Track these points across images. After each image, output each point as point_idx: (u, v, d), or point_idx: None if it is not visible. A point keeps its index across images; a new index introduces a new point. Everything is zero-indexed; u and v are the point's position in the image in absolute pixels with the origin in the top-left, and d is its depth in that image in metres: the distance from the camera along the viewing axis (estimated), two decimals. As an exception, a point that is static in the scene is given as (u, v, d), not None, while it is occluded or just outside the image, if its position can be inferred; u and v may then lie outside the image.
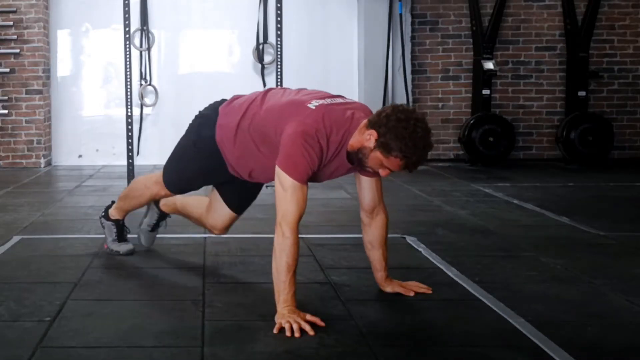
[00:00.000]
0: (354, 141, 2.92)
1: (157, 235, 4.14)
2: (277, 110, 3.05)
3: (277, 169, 2.91)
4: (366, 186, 3.18)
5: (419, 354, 2.61)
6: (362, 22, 8.55)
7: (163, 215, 4.01)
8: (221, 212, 3.61)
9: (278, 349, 2.63)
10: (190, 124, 3.51)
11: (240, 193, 3.56)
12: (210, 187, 3.69)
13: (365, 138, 2.86)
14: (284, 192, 2.88)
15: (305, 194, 2.91)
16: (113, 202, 4.02)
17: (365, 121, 2.91)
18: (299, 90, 3.21)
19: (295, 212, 2.88)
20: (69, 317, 2.95)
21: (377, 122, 2.84)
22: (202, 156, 3.39)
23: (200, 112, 3.50)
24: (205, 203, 3.73)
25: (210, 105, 3.47)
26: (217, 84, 8.59)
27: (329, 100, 3.03)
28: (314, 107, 2.95)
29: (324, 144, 2.90)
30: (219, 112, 3.32)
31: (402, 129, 2.77)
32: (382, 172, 2.92)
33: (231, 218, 3.63)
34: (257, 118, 3.13)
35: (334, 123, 2.92)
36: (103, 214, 4.02)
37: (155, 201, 3.94)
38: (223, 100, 3.42)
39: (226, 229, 3.68)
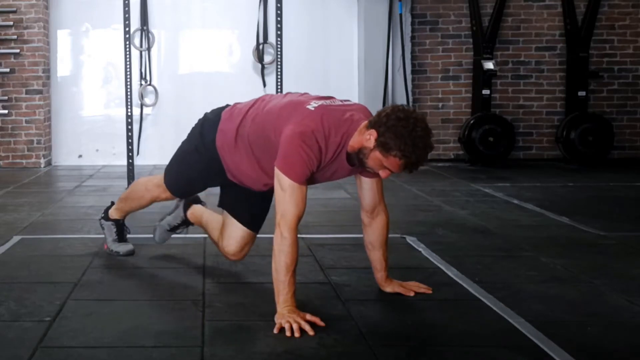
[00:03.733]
0: (354, 142, 2.91)
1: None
2: (276, 112, 3.05)
3: (276, 170, 2.91)
4: (366, 186, 3.18)
5: (419, 354, 2.61)
6: (362, 22, 8.55)
7: (186, 222, 3.90)
8: (234, 230, 3.46)
9: (278, 349, 2.63)
10: (193, 127, 3.49)
11: (251, 206, 3.44)
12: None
13: (365, 138, 2.85)
14: (282, 192, 2.88)
15: (304, 194, 2.90)
16: (112, 203, 4.02)
17: (365, 122, 2.90)
18: (300, 94, 3.20)
19: (294, 213, 2.87)
20: (69, 317, 2.95)
21: (377, 122, 2.82)
22: (204, 160, 3.36)
23: (205, 114, 3.48)
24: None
25: (214, 109, 3.45)
26: (217, 84, 8.61)
27: (328, 102, 3.03)
28: (312, 109, 2.95)
29: (322, 144, 2.89)
30: (221, 116, 3.31)
31: (401, 128, 2.75)
32: (382, 174, 2.89)
33: (245, 237, 3.45)
34: (256, 120, 3.12)
35: (333, 124, 2.91)
36: (102, 215, 4.01)
37: (185, 205, 3.85)
38: (227, 106, 3.42)
39: (241, 251, 3.48)
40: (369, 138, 2.82)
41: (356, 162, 2.95)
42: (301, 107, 2.97)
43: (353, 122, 2.94)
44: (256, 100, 3.25)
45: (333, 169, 3.02)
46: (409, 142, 2.74)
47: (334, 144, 2.92)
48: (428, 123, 2.85)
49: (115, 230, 3.95)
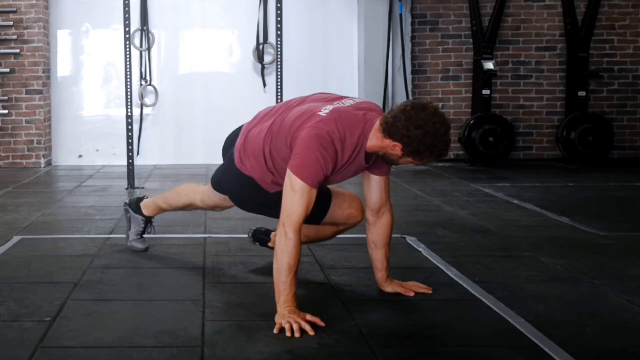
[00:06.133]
0: (373, 144, 2.93)
1: (158, 236, 4.15)
2: (287, 126, 3.01)
3: (288, 171, 2.89)
4: (375, 185, 3.19)
5: (419, 354, 2.61)
6: (362, 22, 8.55)
7: (149, 219, 4.00)
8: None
9: (278, 349, 2.63)
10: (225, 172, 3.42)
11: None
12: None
13: (387, 145, 2.88)
14: (292, 192, 2.87)
15: (313, 198, 2.89)
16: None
17: (378, 123, 2.90)
18: (310, 99, 3.17)
19: (302, 214, 2.87)
20: (69, 317, 2.95)
21: (396, 133, 2.83)
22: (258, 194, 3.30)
23: (230, 160, 3.35)
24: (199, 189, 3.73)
25: (229, 151, 3.37)
26: (217, 84, 8.61)
27: (337, 104, 3.02)
28: (324, 114, 2.94)
29: (338, 147, 2.89)
30: (236, 165, 3.24)
31: (426, 135, 2.80)
32: (413, 165, 3.01)
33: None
34: (274, 145, 3.08)
35: (347, 126, 2.92)
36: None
37: (135, 208, 3.97)
38: (235, 135, 3.36)
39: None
40: (394, 148, 2.87)
41: (383, 160, 3.01)
42: (314, 115, 2.96)
43: (367, 122, 2.95)
44: (269, 129, 3.13)
45: (352, 170, 3.04)
46: (439, 145, 2.85)
47: (350, 146, 2.92)
48: (438, 107, 2.93)
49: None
